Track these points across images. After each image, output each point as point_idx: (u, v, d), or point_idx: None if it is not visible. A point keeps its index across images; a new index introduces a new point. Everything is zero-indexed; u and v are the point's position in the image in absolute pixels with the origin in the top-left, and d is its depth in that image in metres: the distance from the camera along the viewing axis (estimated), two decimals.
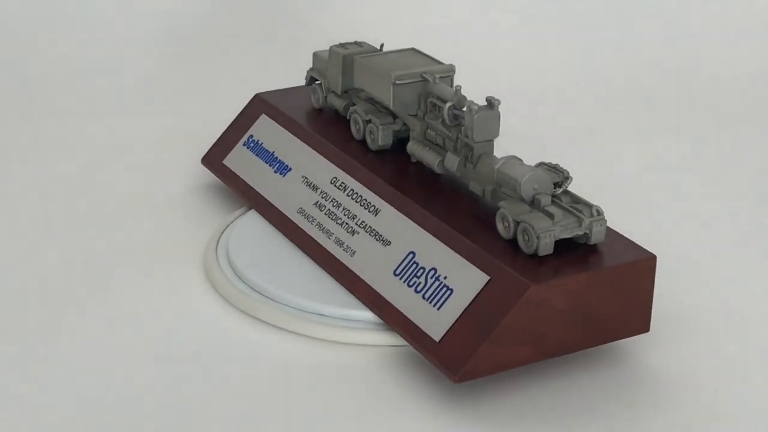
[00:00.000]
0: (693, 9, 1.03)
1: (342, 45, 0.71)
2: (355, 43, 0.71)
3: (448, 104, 0.62)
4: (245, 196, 0.70)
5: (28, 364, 0.59)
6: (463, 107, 0.61)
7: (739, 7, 1.03)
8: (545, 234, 0.56)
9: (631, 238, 0.70)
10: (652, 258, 0.57)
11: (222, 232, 0.69)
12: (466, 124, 0.61)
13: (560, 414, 0.56)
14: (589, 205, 0.58)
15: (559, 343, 0.56)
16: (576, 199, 0.58)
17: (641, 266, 0.57)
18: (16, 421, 0.54)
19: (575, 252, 0.57)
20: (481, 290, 0.56)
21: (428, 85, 0.64)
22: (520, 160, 0.60)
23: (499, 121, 0.61)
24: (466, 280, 0.57)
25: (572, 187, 0.78)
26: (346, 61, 0.70)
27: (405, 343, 0.60)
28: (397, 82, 0.65)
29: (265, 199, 0.69)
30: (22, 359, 0.59)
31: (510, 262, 0.56)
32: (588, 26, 1.02)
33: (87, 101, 0.89)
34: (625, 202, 0.76)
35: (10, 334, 0.61)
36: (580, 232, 0.57)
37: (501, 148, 0.83)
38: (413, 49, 0.69)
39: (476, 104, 0.61)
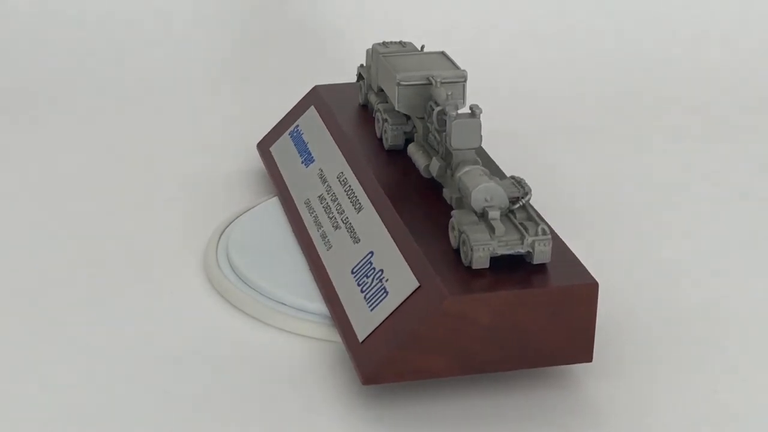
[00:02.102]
0: (693, 9, 1.02)
1: (384, 43, 0.71)
2: (399, 42, 0.71)
3: (437, 109, 0.61)
4: (275, 184, 0.72)
5: (28, 363, 0.59)
6: (453, 112, 0.61)
7: (738, 7, 1.01)
8: (479, 247, 0.55)
9: (629, 240, 0.69)
10: (592, 284, 0.54)
11: (222, 232, 0.69)
12: (446, 130, 0.60)
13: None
14: (537, 224, 0.56)
15: (483, 359, 0.55)
16: (530, 217, 0.57)
17: (580, 292, 0.54)
18: (16, 421, 0.54)
19: (517, 270, 0.55)
20: (408, 296, 0.55)
21: (430, 89, 0.64)
22: (486, 171, 0.58)
23: (480, 130, 0.59)
24: (401, 285, 0.56)
25: (571, 189, 0.77)
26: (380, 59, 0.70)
27: None
28: (402, 83, 0.64)
29: (286, 188, 0.70)
30: (22, 359, 0.59)
31: (443, 271, 0.55)
32: (588, 26, 1.00)
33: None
34: (625, 202, 0.75)
35: (10, 333, 0.61)
36: (522, 250, 0.55)
37: (501, 149, 0.82)
38: (442, 53, 0.68)
39: (456, 111, 0.60)
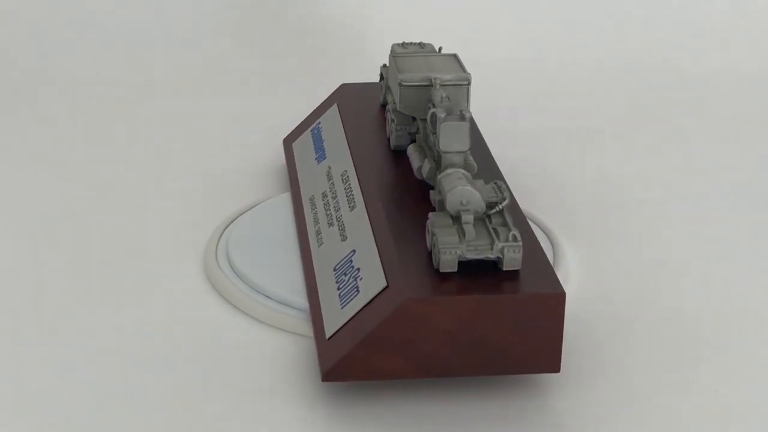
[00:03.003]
0: (693, 9, 1.01)
1: (403, 44, 0.71)
2: (419, 43, 0.71)
3: (431, 110, 0.61)
4: (290, 179, 0.72)
5: (28, 363, 0.58)
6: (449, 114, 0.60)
7: (738, 7, 1.00)
8: (446, 250, 0.54)
9: (629, 240, 0.69)
10: (559, 294, 0.53)
11: (222, 232, 0.69)
12: (436, 132, 0.60)
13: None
14: (510, 230, 0.55)
15: (446, 364, 0.54)
16: (504, 223, 0.56)
17: (546, 301, 0.53)
18: (16, 421, 0.54)
19: (487, 275, 0.55)
20: (376, 295, 0.55)
21: (430, 90, 0.63)
22: (468, 175, 0.58)
23: (469, 133, 0.59)
24: (371, 284, 0.56)
25: (571, 189, 0.76)
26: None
27: None
28: (404, 83, 0.64)
29: (298, 184, 0.71)
30: (22, 359, 0.59)
31: (412, 272, 0.55)
32: (588, 26, 0.99)
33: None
34: (625, 203, 0.75)
35: (11, 333, 0.61)
36: (492, 256, 0.55)
37: (501, 148, 0.81)
38: (454, 55, 0.67)
39: (445, 113, 0.60)
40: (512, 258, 0.55)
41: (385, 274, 0.56)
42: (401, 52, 0.69)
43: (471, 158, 0.62)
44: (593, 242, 0.70)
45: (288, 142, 0.77)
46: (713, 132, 0.86)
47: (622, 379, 0.58)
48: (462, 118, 0.59)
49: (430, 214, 0.57)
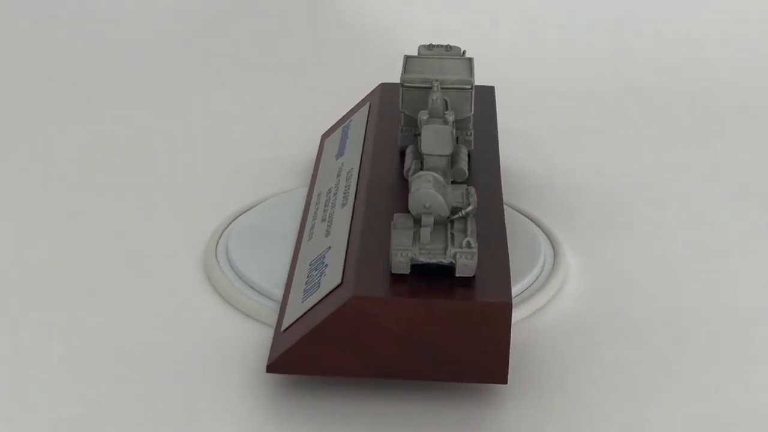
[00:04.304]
0: (693, 9, 0.99)
1: (429, 45, 0.71)
2: (446, 46, 0.71)
3: (421, 112, 0.61)
4: (312, 174, 0.73)
5: (27, 362, 0.58)
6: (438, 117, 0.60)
7: (738, 7, 0.98)
8: (397, 252, 0.54)
9: (629, 240, 0.69)
10: (504, 304, 0.53)
11: (222, 232, 0.69)
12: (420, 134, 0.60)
13: None
14: (465, 236, 0.55)
15: (393, 365, 0.54)
16: (464, 229, 0.56)
17: (490, 310, 0.53)
18: (15, 421, 0.54)
19: (441, 280, 0.55)
20: (330, 291, 0.56)
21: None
22: (439, 179, 0.57)
23: (451, 137, 0.59)
24: (330, 280, 0.57)
25: (571, 190, 0.76)
26: None
27: None
28: (406, 84, 0.64)
29: (314, 179, 0.71)
30: (21, 359, 0.58)
31: (367, 271, 0.55)
32: (589, 26, 0.98)
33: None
34: (625, 203, 0.74)
35: (10, 333, 0.60)
36: (445, 261, 0.54)
37: (501, 149, 0.81)
38: (468, 60, 0.67)
39: (427, 116, 0.60)
40: (464, 264, 0.54)
41: (343, 271, 0.56)
42: (425, 53, 0.69)
43: (463, 163, 0.62)
44: (593, 242, 0.70)
45: (324, 137, 0.78)
46: (713, 132, 0.85)
47: (621, 379, 0.58)
48: (445, 122, 0.59)
49: (395, 215, 0.57)
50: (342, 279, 0.55)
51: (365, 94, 0.91)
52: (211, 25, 0.99)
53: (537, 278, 0.65)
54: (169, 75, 0.93)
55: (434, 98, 0.61)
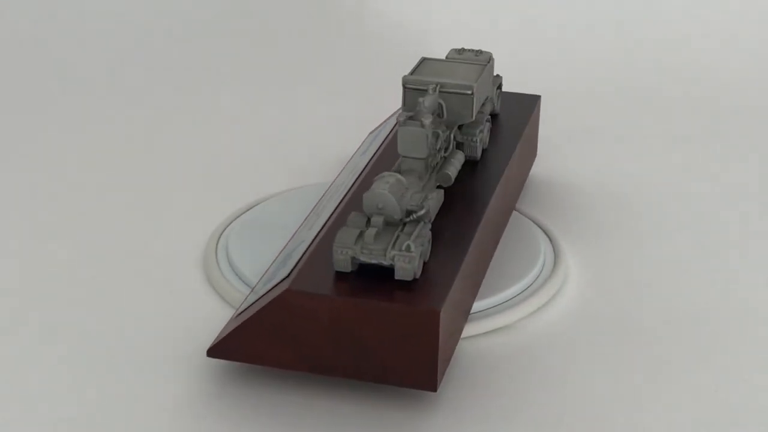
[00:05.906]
0: (693, 9, 0.97)
1: (458, 50, 0.70)
2: (477, 51, 0.70)
3: (400, 113, 0.61)
4: (342, 170, 0.74)
5: (27, 362, 0.58)
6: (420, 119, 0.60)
7: (738, 7, 0.95)
8: (338, 249, 0.55)
9: (629, 240, 0.69)
10: (432, 312, 0.52)
11: (222, 232, 0.69)
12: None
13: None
14: (406, 240, 0.54)
15: (327, 362, 0.54)
16: (410, 232, 0.55)
17: (418, 317, 0.52)
18: (15, 421, 0.54)
19: (381, 282, 0.55)
20: (277, 283, 0.56)
21: None
22: (402, 181, 0.57)
23: (427, 140, 0.58)
24: (282, 273, 0.57)
25: (571, 190, 0.75)
26: None
27: None
28: (407, 85, 0.64)
29: (337, 175, 0.72)
30: (21, 359, 0.59)
31: (314, 266, 0.55)
32: (589, 26, 0.96)
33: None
34: (625, 203, 0.74)
35: (10, 333, 0.61)
36: (385, 262, 0.54)
37: None
38: (482, 66, 0.66)
39: (405, 118, 0.60)
40: (402, 268, 0.54)
41: (295, 264, 0.57)
42: (455, 57, 0.69)
43: (452, 169, 0.61)
44: (593, 242, 0.70)
45: (371, 134, 0.78)
46: (713, 132, 0.84)
47: (621, 378, 0.58)
48: (421, 125, 0.59)
49: (352, 213, 0.57)
50: (290, 272, 0.56)
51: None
52: (212, 25, 1.00)
53: (537, 278, 0.65)
54: (169, 75, 0.93)
55: (421, 100, 0.61)
